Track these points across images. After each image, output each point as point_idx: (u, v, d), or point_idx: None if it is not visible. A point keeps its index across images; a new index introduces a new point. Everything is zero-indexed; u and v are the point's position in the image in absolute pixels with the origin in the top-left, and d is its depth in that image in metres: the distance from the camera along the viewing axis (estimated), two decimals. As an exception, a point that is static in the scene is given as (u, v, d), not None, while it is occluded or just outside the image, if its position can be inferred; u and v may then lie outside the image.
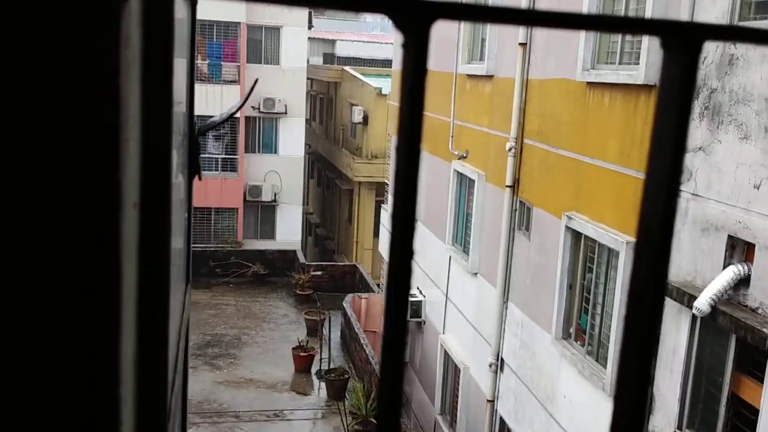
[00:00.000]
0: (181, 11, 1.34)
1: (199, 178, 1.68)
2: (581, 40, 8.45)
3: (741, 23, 6.14)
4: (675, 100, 0.42)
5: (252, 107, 24.77)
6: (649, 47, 7.17)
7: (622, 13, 7.93)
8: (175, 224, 1.35)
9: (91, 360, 0.51)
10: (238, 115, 23.99)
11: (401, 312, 0.42)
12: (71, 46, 0.44)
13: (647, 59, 7.19)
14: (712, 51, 6.35)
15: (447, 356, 12.95)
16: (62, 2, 0.44)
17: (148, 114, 0.67)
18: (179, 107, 1.37)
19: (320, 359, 16.65)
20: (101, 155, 0.47)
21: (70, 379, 0.51)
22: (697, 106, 6.57)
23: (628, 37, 7.90)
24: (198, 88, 25.20)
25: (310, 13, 26.20)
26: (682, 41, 0.42)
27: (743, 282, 5.97)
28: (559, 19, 0.41)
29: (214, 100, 23.32)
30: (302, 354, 16.86)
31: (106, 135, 0.47)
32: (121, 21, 0.46)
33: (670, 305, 6.80)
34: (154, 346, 0.77)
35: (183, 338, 1.45)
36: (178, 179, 1.29)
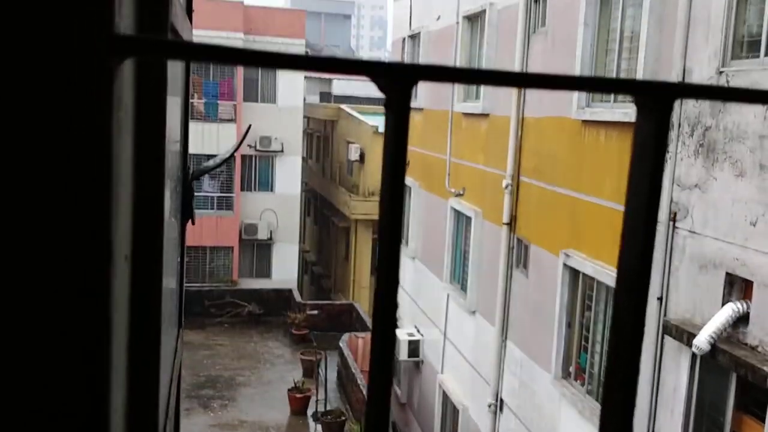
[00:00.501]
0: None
1: (192, 223, 1.66)
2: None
3: (733, 62, 6.21)
4: (648, 157, 0.45)
5: (248, 145, 24.87)
6: (643, 86, 7.24)
7: (616, 54, 8.03)
8: (168, 269, 1.33)
9: (79, 411, 0.51)
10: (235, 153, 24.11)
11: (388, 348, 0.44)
12: (65, 106, 0.46)
13: (641, 97, 7.25)
14: (705, 89, 6.40)
15: (445, 396, 12.78)
16: (56, 65, 0.46)
17: (140, 168, 0.69)
18: (173, 153, 1.37)
19: (316, 400, 16.42)
20: (91, 212, 0.49)
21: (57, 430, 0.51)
22: (692, 144, 6.61)
23: (623, 75, 7.99)
24: (194, 126, 25.36)
25: (306, 52, 26.51)
26: (654, 100, 0.45)
27: (742, 319, 5.93)
28: (535, 81, 0.45)
29: (210, 139, 23.43)
30: (298, 395, 16.62)
31: (97, 193, 0.48)
32: (113, 83, 0.48)
33: (669, 343, 6.74)
34: (145, 395, 0.75)
35: (175, 383, 1.41)
36: (171, 223, 1.28)
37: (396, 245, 0.41)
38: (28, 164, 0.46)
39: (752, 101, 0.52)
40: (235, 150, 2.88)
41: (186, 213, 1.62)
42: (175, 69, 1.32)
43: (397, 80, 0.40)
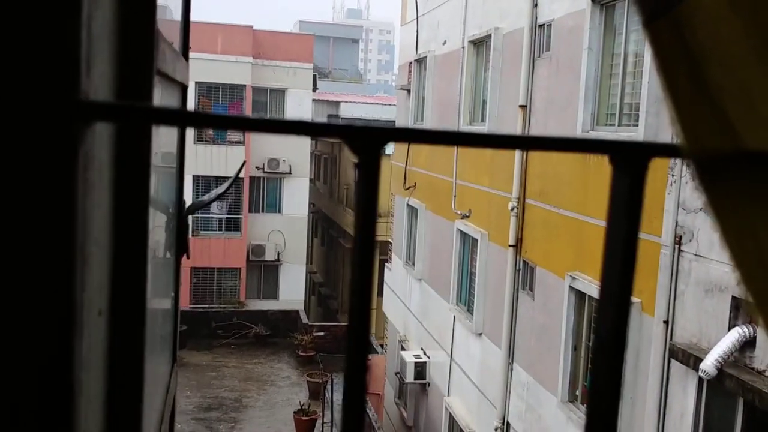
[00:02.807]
0: (171, 98, 1.37)
1: (187, 257, 1.69)
2: (580, 102, 8.59)
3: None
4: (623, 217, 0.45)
5: (256, 167, 25.04)
6: (647, 110, 7.28)
7: (620, 78, 8.08)
8: (162, 304, 1.34)
9: None
10: (242, 174, 24.24)
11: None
12: (28, 172, 0.46)
13: (646, 121, 7.29)
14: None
15: (452, 419, 12.70)
16: (20, 131, 0.45)
17: (120, 222, 0.69)
18: (167, 188, 1.38)
19: (322, 423, 16.33)
20: (53, 272, 0.48)
21: None
22: (696, 167, 6.62)
23: (627, 99, 8.03)
24: (203, 149, 25.22)
25: (314, 76, 26.75)
26: (629, 159, 0.45)
27: (749, 344, 5.90)
28: (504, 142, 0.46)
29: (218, 161, 23.60)
30: (304, 418, 16.55)
31: (60, 254, 0.48)
32: (80, 144, 0.47)
33: (676, 367, 6.70)
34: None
35: (166, 422, 1.41)
36: (163, 261, 1.29)
37: (367, 297, 0.42)
38: None
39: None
40: (230, 186, 2.93)
41: (181, 247, 1.64)
42: (170, 97, 1.34)
43: (367, 143, 0.42)
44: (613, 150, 0.46)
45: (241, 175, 24.30)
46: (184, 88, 1.61)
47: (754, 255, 0.43)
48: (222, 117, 0.40)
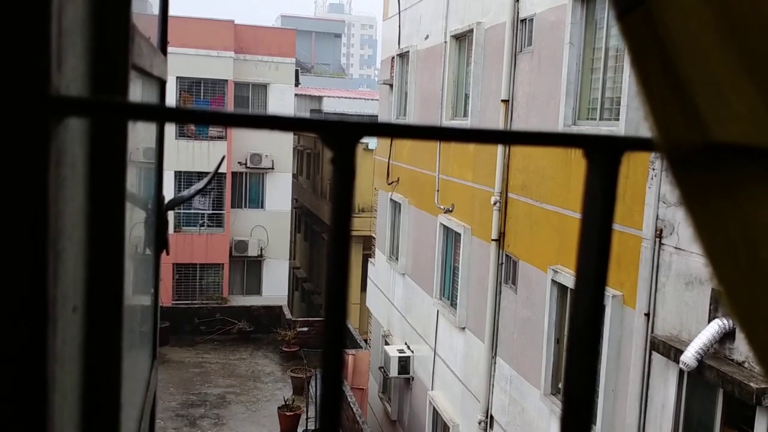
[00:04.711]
0: (149, 93, 1.35)
1: (167, 253, 1.68)
2: (562, 96, 8.62)
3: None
4: (597, 211, 0.45)
5: (239, 163, 24.91)
6: (629, 104, 7.33)
7: (602, 72, 8.13)
8: (141, 301, 1.33)
9: None
10: (224, 170, 24.11)
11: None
12: None
13: (627, 115, 7.34)
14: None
15: (436, 413, 12.75)
16: None
17: (96, 219, 0.68)
18: (146, 183, 1.37)
19: (306, 419, 16.33)
20: (25, 267, 0.47)
21: None
22: (676, 161, 6.68)
23: (608, 93, 8.08)
24: (185, 144, 25.03)
25: (296, 71, 26.64)
26: (603, 153, 0.45)
27: (729, 335, 5.97)
28: (480, 136, 0.46)
29: (201, 157, 23.45)
30: (288, 414, 16.52)
31: (31, 249, 0.47)
32: (51, 140, 0.46)
33: (657, 359, 6.77)
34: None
35: (146, 419, 1.41)
36: (142, 257, 1.28)
37: (343, 294, 0.42)
38: None
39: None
40: (209, 181, 2.92)
41: (160, 243, 1.63)
42: (148, 92, 1.33)
43: (341, 137, 0.41)
44: (588, 144, 0.46)
45: (223, 170, 24.18)
46: (162, 84, 1.59)
47: (725, 250, 0.43)
48: (195, 112, 0.39)
